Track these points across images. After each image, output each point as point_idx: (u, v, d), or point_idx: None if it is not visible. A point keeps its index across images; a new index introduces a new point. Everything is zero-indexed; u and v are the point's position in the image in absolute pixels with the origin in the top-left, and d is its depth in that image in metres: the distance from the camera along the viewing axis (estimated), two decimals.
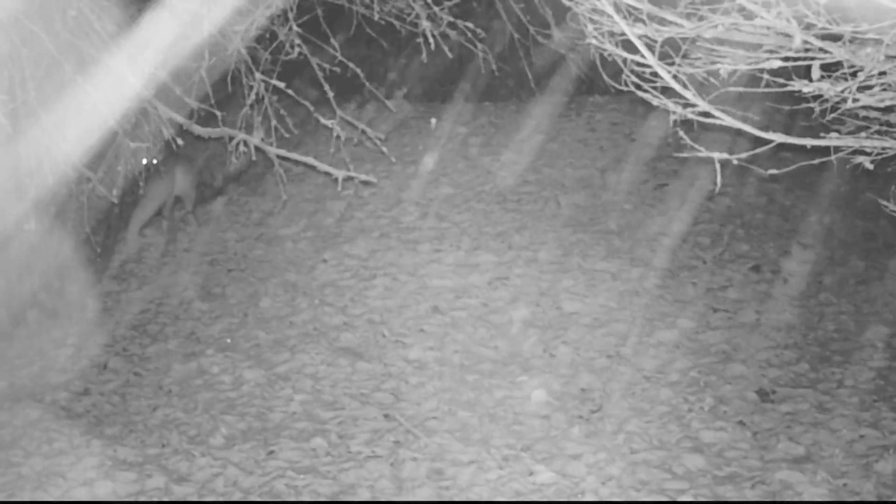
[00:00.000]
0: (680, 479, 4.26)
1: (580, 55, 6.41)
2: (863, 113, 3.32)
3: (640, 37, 3.02)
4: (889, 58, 2.88)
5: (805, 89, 3.03)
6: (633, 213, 6.52)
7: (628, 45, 3.12)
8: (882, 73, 2.97)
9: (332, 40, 5.35)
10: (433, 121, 7.85)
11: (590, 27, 3.24)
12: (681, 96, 3.15)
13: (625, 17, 3.02)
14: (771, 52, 3.06)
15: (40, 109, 4.39)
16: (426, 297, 5.87)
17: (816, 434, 4.50)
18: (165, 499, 4.36)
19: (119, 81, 4.63)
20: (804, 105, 3.23)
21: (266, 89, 5.02)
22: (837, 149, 3.34)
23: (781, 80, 3.12)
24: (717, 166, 3.31)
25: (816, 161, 3.54)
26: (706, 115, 3.16)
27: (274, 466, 4.51)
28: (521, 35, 6.40)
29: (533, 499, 4.20)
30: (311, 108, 5.17)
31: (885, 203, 3.91)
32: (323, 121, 5.02)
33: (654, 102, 3.26)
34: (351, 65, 5.26)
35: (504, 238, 6.36)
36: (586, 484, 4.26)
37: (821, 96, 3.07)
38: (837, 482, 4.14)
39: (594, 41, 3.26)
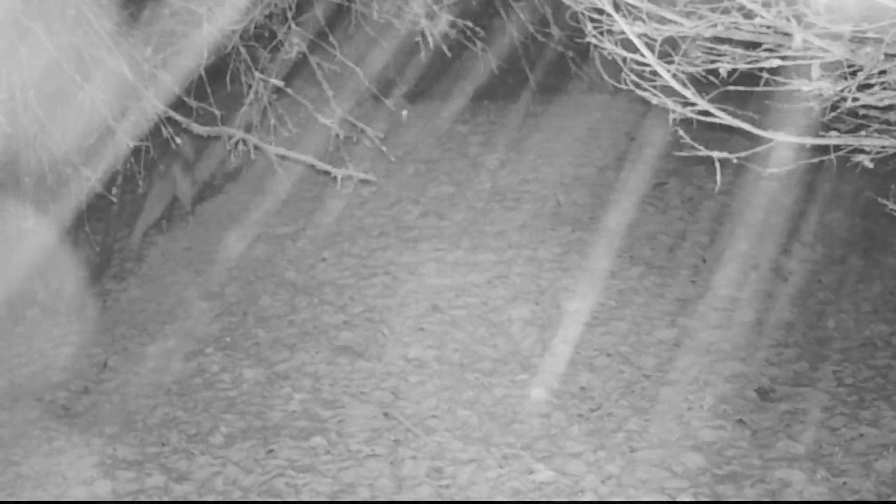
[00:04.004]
0: (679, 477, 4.26)
1: (580, 54, 6.41)
2: (862, 112, 3.32)
3: (639, 35, 3.02)
4: (889, 57, 2.88)
5: (804, 88, 3.03)
6: (633, 212, 6.52)
7: (628, 44, 3.12)
8: (882, 72, 2.97)
9: (332, 39, 5.35)
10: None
11: (589, 26, 3.24)
12: (680, 95, 3.15)
13: (624, 16, 3.02)
14: (770, 50, 3.06)
15: (40, 109, 4.39)
16: (426, 295, 5.87)
17: (816, 432, 4.50)
18: (165, 498, 4.36)
19: (119, 81, 4.63)
20: (804, 104, 3.23)
21: (265, 88, 5.02)
22: (837, 147, 3.34)
23: (781, 79, 3.12)
24: (717, 165, 3.32)
25: (816, 160, 3.54)
26: (706, 113, 3.16)
27: (273, 465, 4.51)
28: (521, 34, 6.40)
29: (533, 497, 4.21)
30: (311, 107, 5.18)
31: (884, 201, 3.91)
32: (322, 119, 5.02)
33: (654, 101, 3.26)
34: (350, 63, 5.25)
35: (504, 237, 6.36)
36: (586, 482, 4.26)
37: (820, 95, 3.07)
38: (837, 481, 4.15)
39: (594, 40, 3.27)
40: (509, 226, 6.47)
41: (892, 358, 5.06)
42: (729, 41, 3.12)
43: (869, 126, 3.38)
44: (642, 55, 3.07)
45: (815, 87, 3.00)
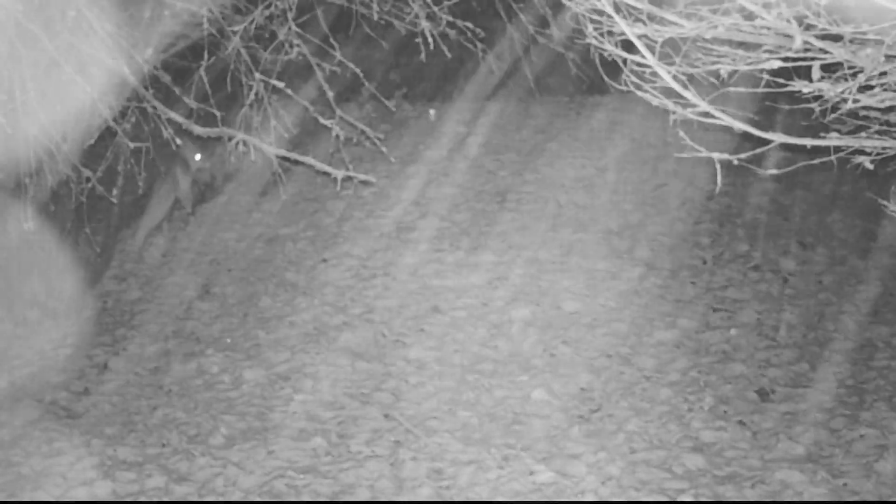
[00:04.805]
0: (680, 478, 4.26)
1: (580, 55, 6.41)
2: (863, 113, 3.32)
3: (639, 37, 3.01)
4: (889, 58, 2.88)
5: (805, 90, 3.03)
6: (633, 213, 6.52)
7: (628, 45, 3.12)
8: (882, 74, 2.97)
9: (332, 40, 5.35)
10: (432, 112, 7.88)
11: (589, 27, 3.24)
12: (681, 96, 3.15)
13: (624, 17, 3.01)
14: (771, 52, 3.06)
15: (40, 109, 4.39)
16: (426, 296, 5.87)
17: (816, 434, 4.50)
18: (165, 499, 4.36)
19: (119, 82, 4.63)
20: (804, 105, 3.23)
21: (265, 89, 5.02)
22: (837, 149, 3.34)
23: (781, 81, 3.12)
24: (718, 166, 3.31)
25: (816, 161, 3.54)
26: (706, 115, 3.16)
27: (274, 466, 4.51)
28: (521, 35, 6.39)
29: (533, 498, 4.21)
30: (311, 108, 5.17)
31: (884, 203, 3.91)
32: (322, 120, 5.01)
33: (654, 102, 3.25)
34: (350, 65, 5.25)
35: (504, 238, 6.36)
36: (586, 483, 4.26)
37: (821, 96, 3.07)
38: (837, 482, 4.15)
39: (594, 41, 3.26)
40: (510, 227, 6.47)
41: (893, 359, 5.06)
42: (729, 43, 3.12)
43: (869, 127, 3.38)
44: (643, 56, 3.07)
45: (816, 89, 3.00)
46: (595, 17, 3.18)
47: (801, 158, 3.66)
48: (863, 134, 3.36)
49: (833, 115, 3.24)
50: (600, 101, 7.76)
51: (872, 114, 3.32)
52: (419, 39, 5.29)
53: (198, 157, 6.75)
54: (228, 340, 5.68)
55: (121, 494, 4.39)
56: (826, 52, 2.91)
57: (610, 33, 3.18)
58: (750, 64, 3.10)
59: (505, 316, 5.63)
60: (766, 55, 3.06)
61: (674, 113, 3.23)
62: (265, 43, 5.18)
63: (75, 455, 4.65)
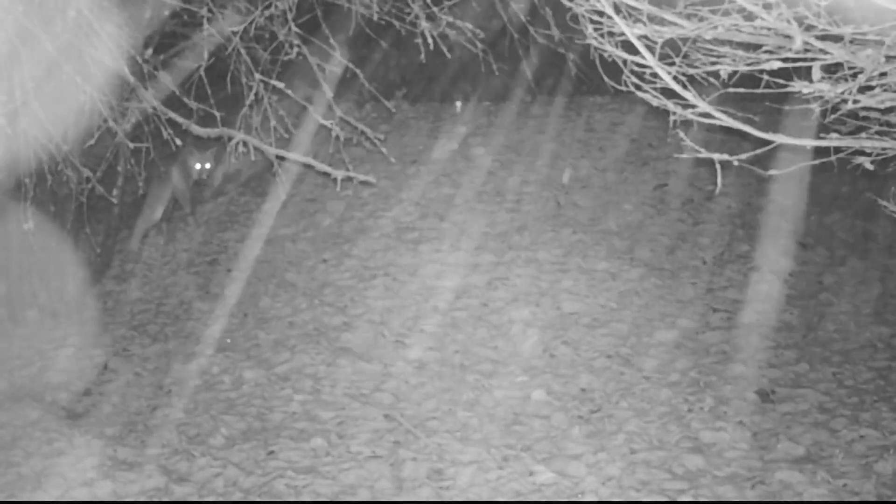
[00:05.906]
0: (680, 479, 4.26)
1: (580, 55, 6.41)
2: (863, 114, 3.32)
3: (639, 37, 3.02)
4: (889, 59, 2.88)
5: (805, 90, 3.03)
6: (633, 213, 6.52)
7: (628, 46, 3.12)
8: (882, 75, 2.97)
9: (332, 40, 5.35)
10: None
11: (589, 28, 3.24)
12: (681, 97, 3.15)
13: (624, 18, 3.01)
14: (771, 53, 3.06)
15: (40, 109, 4.39)
16: (426, 297, 5.87)
17: (816, 434, 4.50)
18: (165, 499, 4.36)
19: (119, 82, 4.63)
20: (804, 105, 3.23)
21: (265, 89, 5.03)
22: (837, 149, 3.34)
23: (782, 81, 3.12)
24: (718, 167, 3.31)
25: (816, 161, 3.55)
26: (706, 115, 3.16)
27: (274, 467, 4.51)
28: (521, 35, 6.40)
29: (533, 499, 4.21)
30: (311, 108, 5.18)
31: (884, 203, 3.91)
32: (322, 121, 5.01)
33: (654, 103, 3.26)
34: (350, 65, 5.25)
35: (504, 238, 6.36)
36: (586, 484, 4.26)
37: (821, 97, 3.07)
38: (837, 482, 4.15)
39: (594, 42, 3.26)
40: (510, 227, 6.47)
41: (893, 360, 5.06)
42: (729, 43, 3.12)
43: (869, 128, 3.38)
44: (643, 57, 3.07)
45: (816, 90, 3.00)
46: (595, 17, 3.18)
47: (802, 159, 3.67)
48: (863, 134, 3.36)
49: (833, 116, 3.24)
50: (600, 101, 7.76)
51: (872, 114, 3.32)
52: (419, 40, 5.29)
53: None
54: (228, 340, 5.68)
55: (121, 495, 4.39)
56: (826, 52, 2.91)
57: (610, 34, 3.18)
58: (750, 65, 3.10)
59: (505, 316, 5.63)
60: (767, 56, 3.06)
61: (674, 113, 3.23)
62: (265, 43, 5.18)
63: (75, 455, 4.66)
